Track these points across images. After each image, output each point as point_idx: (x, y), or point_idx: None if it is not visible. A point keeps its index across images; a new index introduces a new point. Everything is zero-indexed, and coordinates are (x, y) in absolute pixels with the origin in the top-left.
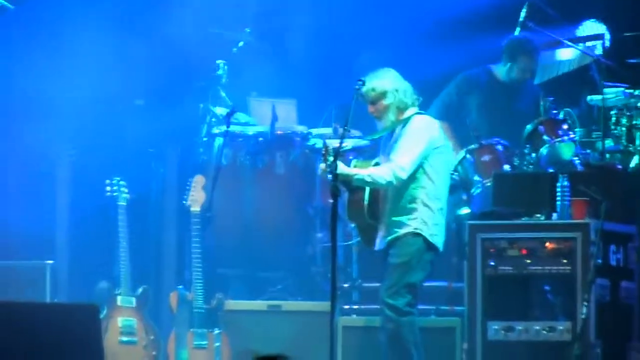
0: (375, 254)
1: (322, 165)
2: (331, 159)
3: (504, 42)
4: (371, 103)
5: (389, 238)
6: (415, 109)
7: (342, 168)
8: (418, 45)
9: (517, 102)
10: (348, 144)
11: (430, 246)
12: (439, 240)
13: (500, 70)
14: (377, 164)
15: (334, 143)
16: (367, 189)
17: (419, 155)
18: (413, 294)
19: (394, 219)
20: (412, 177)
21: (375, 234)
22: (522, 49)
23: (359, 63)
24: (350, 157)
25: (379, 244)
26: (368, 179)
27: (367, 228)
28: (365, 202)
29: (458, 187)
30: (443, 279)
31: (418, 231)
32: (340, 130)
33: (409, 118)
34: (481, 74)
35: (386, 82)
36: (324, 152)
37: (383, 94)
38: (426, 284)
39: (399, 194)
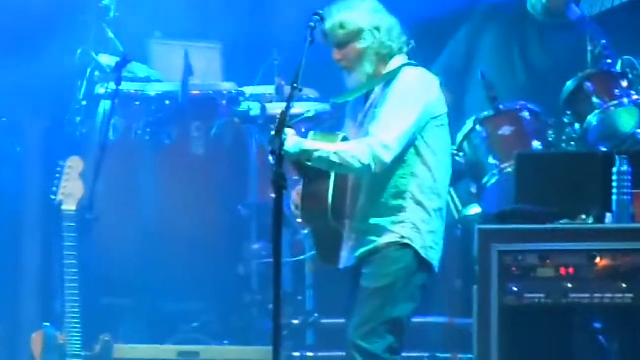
0: (339, 276)
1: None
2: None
3: None
4: (338, 47)
5: (362, 251)
6: (404, 58)
7: (294, 141)
8: None
9: (554, 44)
10: (300, 109)
11: (423, 264)
12: (435, 255)
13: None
14: (345, 140)
15: (277, 109)
16: (332, 177)
17: (411, 128)
18: (397, 334)
19: (371, 222)
20: (399, 161)
21: (339, 244)
22: None
23: None
24: (303, 130)
25: (346, 259)
26: (335, 159)
27: (329, 236)
28: (330, 196)
29: (464, 175)
30: (441, 313)
31: (407, 241)
32: (288, 89)
33: (396, 71)
34: (509, 3)
35: (362, 15)
36: (278, 122)
37: (357, 34)
38: (416, 319)
39: (378, 186)
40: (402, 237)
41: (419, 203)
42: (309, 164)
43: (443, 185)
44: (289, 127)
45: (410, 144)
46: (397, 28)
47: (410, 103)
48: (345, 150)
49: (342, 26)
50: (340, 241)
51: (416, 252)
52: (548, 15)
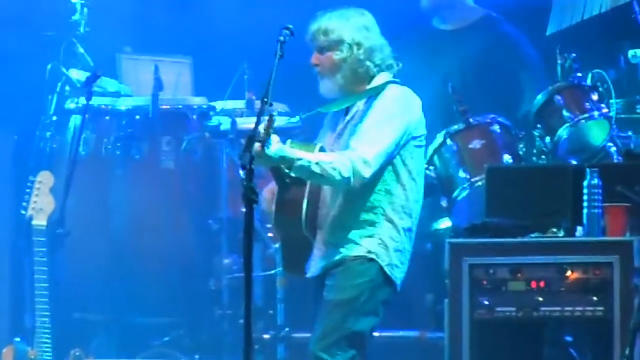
0: (308, 289)
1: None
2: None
3: None
4: (318, 50)
5: (328, 261)
6: (387, 76)
7: (277, 147)
8: None
9: (466, 47)
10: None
11: (387, 280)
12: (399, 274)
13: None
14: (322, 150)
15: (248, 123)
16: (307, 186)
17: (391, 145)
18: (359, 348)
19: (341, 234)
20: (376, 177)
21: (307, 254)
22: None
23: None
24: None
25: (313, 268)
26: (316, 169)
27: (298, 245)
28: (305, 205)
29: (434, 189)
30: (413, 327)
31: (372, 256)
32: (258, 103)
33: (380, 87)
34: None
35: (347, 27)
36: (265, 126)
37: (336, 44)
38: (387, 333)
39: (352, 199)
40: (369, 252)
41: (389, 220)
42: (288, 171)
43: (415, 205)
44: (274, 133)
45: (389, 161)
46: (383, 50)
47: (393, 121)
48: (326, 162)
49: (325, 32)
50: (308, 251)
51: (381, 268)
52: (434, 9)
